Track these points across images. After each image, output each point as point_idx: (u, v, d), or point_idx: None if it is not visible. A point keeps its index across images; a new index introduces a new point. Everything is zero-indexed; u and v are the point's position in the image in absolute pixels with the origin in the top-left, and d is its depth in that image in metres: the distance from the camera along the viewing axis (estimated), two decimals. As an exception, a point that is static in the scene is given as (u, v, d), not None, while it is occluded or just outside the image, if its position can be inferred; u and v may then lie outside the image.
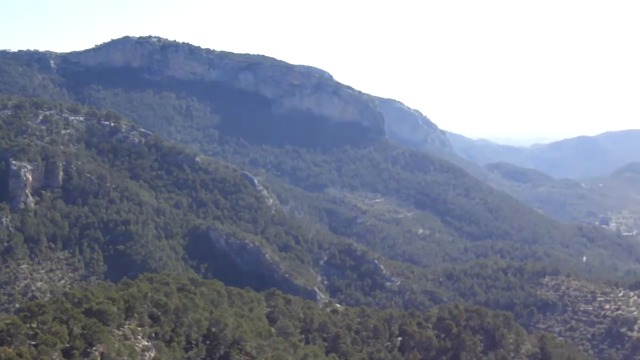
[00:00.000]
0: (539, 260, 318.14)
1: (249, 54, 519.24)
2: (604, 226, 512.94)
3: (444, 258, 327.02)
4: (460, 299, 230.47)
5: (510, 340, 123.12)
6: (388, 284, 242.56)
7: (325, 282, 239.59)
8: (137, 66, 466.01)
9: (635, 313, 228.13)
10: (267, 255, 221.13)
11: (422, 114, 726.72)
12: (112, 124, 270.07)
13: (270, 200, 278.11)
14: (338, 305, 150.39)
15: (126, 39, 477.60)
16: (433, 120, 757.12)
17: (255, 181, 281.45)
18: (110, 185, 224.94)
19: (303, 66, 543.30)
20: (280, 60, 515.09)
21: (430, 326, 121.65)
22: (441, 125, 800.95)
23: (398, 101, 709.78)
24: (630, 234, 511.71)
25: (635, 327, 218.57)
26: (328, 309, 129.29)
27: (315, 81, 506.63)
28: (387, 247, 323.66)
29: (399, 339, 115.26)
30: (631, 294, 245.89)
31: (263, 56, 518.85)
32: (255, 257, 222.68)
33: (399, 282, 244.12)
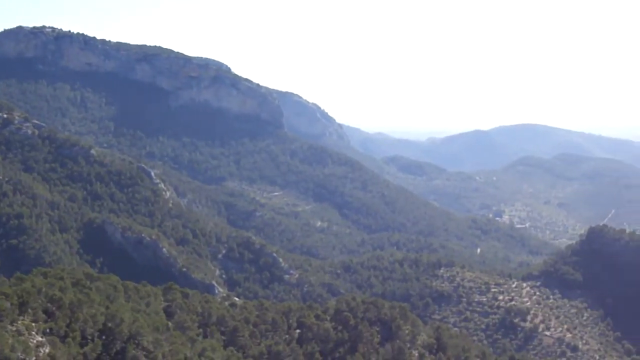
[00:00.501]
0: (434, 252, 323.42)
1: (146, 45, 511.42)
2: (497, 219, 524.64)
3: (341, 250, 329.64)
4: (358, 290, 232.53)
5: (407, 332, 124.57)
6: (286, 276, 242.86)
7: (224, 275, 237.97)
8: (31, 57, 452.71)
9: (528, 304, 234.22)
10: (164, 249, 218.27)
11: (320, 108, 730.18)
12: (5, 115, 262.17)
13: (168, 194, 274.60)
14: (236, 299, 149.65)
15: (19, 29, 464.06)
16: (331, 113, 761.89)
17: (152, 174, 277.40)
18: (2, 179, 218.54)
19: (201, 58, 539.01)
20: (178, 52, 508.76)
21: (328, 318, 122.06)
22: (339, 119, 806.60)
23: (296, 94, 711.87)
24: (523, 226, 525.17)
25: (528, 318, 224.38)
26: (226, 303, 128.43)
27: (213, 73, 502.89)
28: (285, 240, 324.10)
29: (297, 331, 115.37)
30: (524, 285, 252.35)
31: (160, 47, 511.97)
32: (152, 251, 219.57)
33: (297, 275, 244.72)
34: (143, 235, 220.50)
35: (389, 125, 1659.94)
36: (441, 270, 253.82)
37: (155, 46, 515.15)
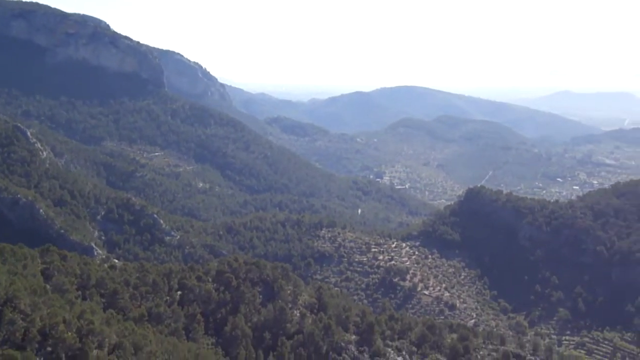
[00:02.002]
0: (316, 213, 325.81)
1: (22, 1, 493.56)
2: (378, 180, 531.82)
3: (223, 212, 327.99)
4: (240, 252, 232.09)
5: (289, 292, 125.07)
6: (168, 238, 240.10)
7: (103, 237, 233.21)
8: None
9: (408, 263, 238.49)
10: (41, 211, 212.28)
11: (202, 67, 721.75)
12: None
13: (44, 154, 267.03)
14: (116, 261, 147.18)
15: None
16: (213, 73, 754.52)
17: (28, 133, 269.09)
18: None
19: (79, 14, 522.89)
20: (55, 8, 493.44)
21: (210, 279, 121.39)
22: (221, 79, 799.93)
23: (178, 53, 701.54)
24: (403, 187, 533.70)
25: (407, 277, 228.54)
26: (106, 265, 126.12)
27: (91, 30, 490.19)
28: (166, 201, 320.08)
29: (179, 293, 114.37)
30: (403, 245, 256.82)
31: (37, 3, 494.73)
32: (28, 212, 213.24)
33: (178, 237, 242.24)
34: (19, 196, 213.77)
35: (272, 85, 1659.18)
36: (323, 231, 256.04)
37: (32, 2, 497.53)
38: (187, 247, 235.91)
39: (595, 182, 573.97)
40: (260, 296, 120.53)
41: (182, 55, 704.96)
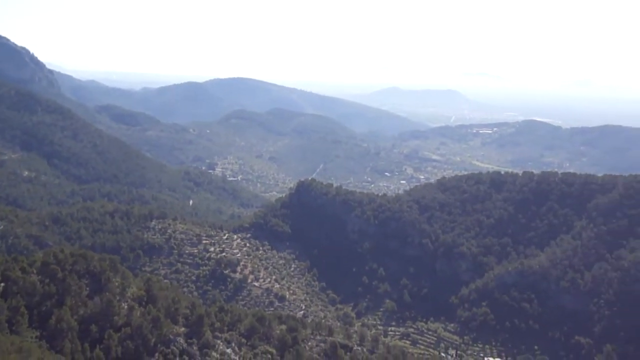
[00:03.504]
0: (146, 204, 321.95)
1: None
2: (210, 171, 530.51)
3: (49, 201, 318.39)
4: (67, 243, 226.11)
5: (116, 284, 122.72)
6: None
7: None
8: None
9: (239, 255, 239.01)
10: None
11: (29, 52, 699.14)
12: None
13: None
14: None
15: None
16: (42, 58, 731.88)
17: None
18: None
19: None
20: None
21: (35, 271, 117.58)
22: (50, 64, 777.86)
23: (4, 37, 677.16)
24: (235, 179, 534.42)
25: (238, 269, 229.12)
26: None
27: None
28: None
29: (2, 285, 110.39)
30: (235, 237, 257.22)
31: None
32: None
33: (2, 227, 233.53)
34: None
35: (104, 72, 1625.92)
36: (153, 222, 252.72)
37: None
38: (11, 238, 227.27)
39: (422, 176, 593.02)
40: (87, 288, 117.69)
41: (8, 39, 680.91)
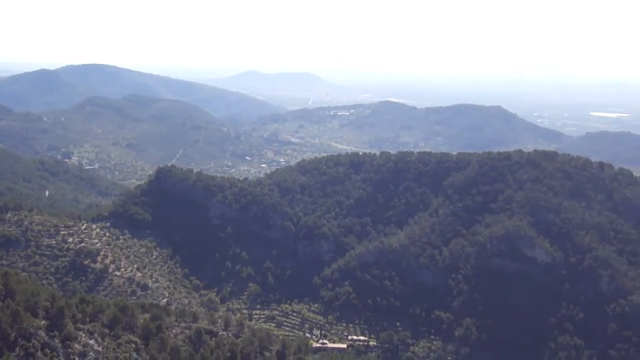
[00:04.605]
0: (1, 195, 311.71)
1: None
2: (66, 160, 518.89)
3: None
4: None
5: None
6: None
7: None
8: None
9: (98, 245, 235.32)
10: None
11: None
12: None
13: None
14: None
15: None
16: None
17: None
18: None
19: None
20: None
21: None
22: None
23: None
24: (92, 167, 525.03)
25: (98, 259, 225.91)
26: None
27: None
28: None
29: None
30: (94, 226, 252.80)
31: None
32: None
33: None
34: None
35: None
36: (8, 215, 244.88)
37: None
38: None
39: (282, 160, 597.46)
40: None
41: None
